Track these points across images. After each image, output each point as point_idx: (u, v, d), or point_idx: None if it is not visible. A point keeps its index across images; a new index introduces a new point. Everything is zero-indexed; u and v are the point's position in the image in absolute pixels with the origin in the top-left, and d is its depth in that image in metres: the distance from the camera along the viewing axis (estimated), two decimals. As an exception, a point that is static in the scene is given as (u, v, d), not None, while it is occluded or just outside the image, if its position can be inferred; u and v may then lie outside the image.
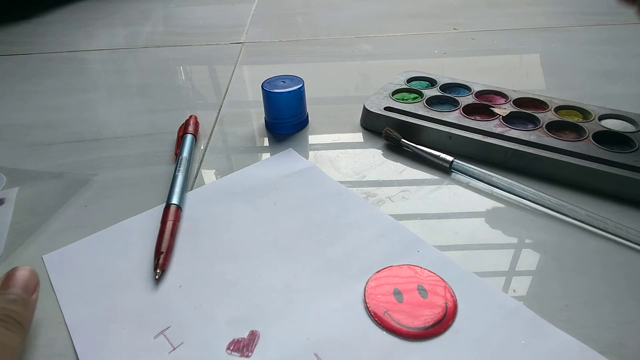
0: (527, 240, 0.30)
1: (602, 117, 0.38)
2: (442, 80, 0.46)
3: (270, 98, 0.42)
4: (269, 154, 0.41)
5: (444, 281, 0.27)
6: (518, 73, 0.55)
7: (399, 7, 0.84)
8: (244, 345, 0.24)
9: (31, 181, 0.39)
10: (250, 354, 0.23)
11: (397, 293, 0.26)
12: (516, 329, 0.24)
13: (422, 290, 0.26)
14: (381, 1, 0.88)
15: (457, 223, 0.32)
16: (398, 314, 0.25)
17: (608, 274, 0.27)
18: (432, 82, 0.46)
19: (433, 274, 0.27)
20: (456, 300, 0.26)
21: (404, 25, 0.74)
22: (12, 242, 0.32)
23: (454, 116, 0.40)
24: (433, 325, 0.24)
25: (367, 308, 0.25)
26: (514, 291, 0.26)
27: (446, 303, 0.25)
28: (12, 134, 0.47)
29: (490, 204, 0.33)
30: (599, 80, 0.51)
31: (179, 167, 0.37)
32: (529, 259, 0.28)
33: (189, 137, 0.41)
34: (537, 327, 0.24)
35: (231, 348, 0.24)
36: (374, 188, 0.35)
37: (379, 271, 0.28)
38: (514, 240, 0.30)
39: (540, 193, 0.32)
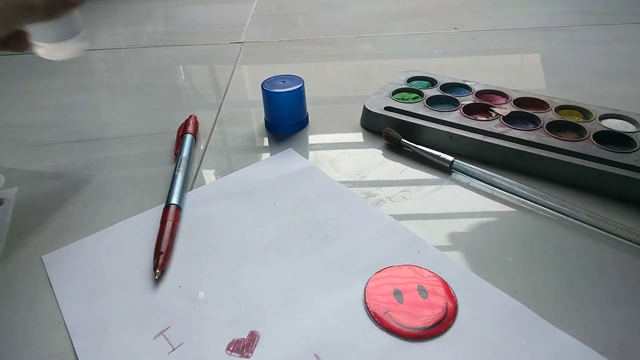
0: (527, 241, 0.30)
1: (603, 117, 0.38)
2: (442, 80, 0.46)
3: (270, 98, 0.42)
4: (269, 154, 0.41)
5: (445, 281, 0.27)
6: (518, 73, 0.54)
7: (399, 7, 0.84)
8: (244, 345, 0.24)
9: (31, 181, 0.39)
10: (250, 354, 0.23)
11: (398, 293, 0.26)
12: (517, 329, 0.24)
13: (422, 291, 0.26)
14: (381, 1, 0.88)
15: (457, 223, 0.31)
16: (398, 315, 0.25)
17: (608, 274, 0.27)
18: (432, 82, 0.46)
19: (433, 275, 0.27)
20: (456, 301, 0.26)
21: (404, 25, 0.73)
22: (12, 242, 0.32)
23: (455, 116, 0.39)
24: (433, 326, 0.24)
25: (367, 308, 0.25)
26: (515, 292, 0.26)
27: (446, 303, 0.25)
28: (12, 134, 0.47)
29: (490, 204, 0.33)
30: (600, 80, 0.51)
31: (179, 167, 0.37)
32: (530, 259, 0.28)
33: (188, 137, 0.41)
34: (538, 327, 0.24)
35: (231, 348, 0.24)
36: (374, 188, 0.35)
37: (379, 271, 0.28)
38: (514, 240, 0.30)
39: (540, 192, 0.32)
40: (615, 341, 0.23)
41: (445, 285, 0.26)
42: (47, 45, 0.36)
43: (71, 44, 0.36)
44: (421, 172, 0.37)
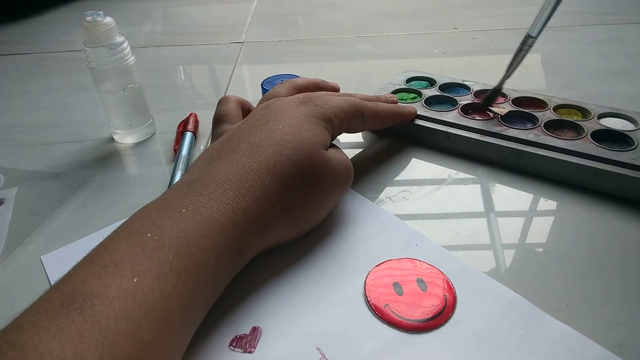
0: (527, 241, 0.30)
1: (602, 116, 0.38)
2: (441, 80, 0.46)
3: (269, 98, 0.42)
4: (269, 153, 0.41)
5: (443, 274, 0.27)
6: (518, 72, 0.54)
7: (399, 7, 0.84)
8: (247, 341, 0.24)
9: (30, 181, 0.39)
10: (253, 349, 0.23)
11: (397, 286, 0.26)
12: (514, 319, 0.24)
13: (421, 283, 0.26)
14: (381, 1, 0.88)
15: (457, 223, 0.31)
16: (398, 307, 0.25)
17: (608, 274, 0.27)
18: (431, 82, 0.46)
19: (432, 267, 0.27)
20: (455, 293, 0.26)
21: (404, 25, 0.73)
22: (11, 242, 0.32)
23: (452, 115, 0.39)
24: (433, 318, 0.24)
25: (367, 301, 0.26)
26: (515, 292, 0.26)
27: (445, 295, 0.26)
28: (12, 134, 0.47)
29: (490, 204, 0.33)
30: (599, 79, 0.51)
31: (178, 164, 0.37)
32: (530, 259, 0.28)
33: (188, 135, 0.41)
34: (535, 317, 0.24)
35: (234, 344, 0.24)
36: (374, 188, 0.35)
37: (378, 265, 0.28)
38: (515, 240, 0.30)
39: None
40: (616, 341, 0.23)
41: (444, 278, 0.27)
42: (121, 132, 0.43)
43: (141, 129, 0.44)
44: (421, 172, 0.37)
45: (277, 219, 0.26)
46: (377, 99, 0.37)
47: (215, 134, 0.32)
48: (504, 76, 0.39)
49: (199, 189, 0.25)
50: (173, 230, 0.22)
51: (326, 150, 0.29)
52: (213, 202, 0.24)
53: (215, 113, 0.34)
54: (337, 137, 0.33)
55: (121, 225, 0.23)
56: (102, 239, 0.22)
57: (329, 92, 0.34)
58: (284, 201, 0.26)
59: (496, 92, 0.40)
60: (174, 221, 0.22)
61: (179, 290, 0.21)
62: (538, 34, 0.36)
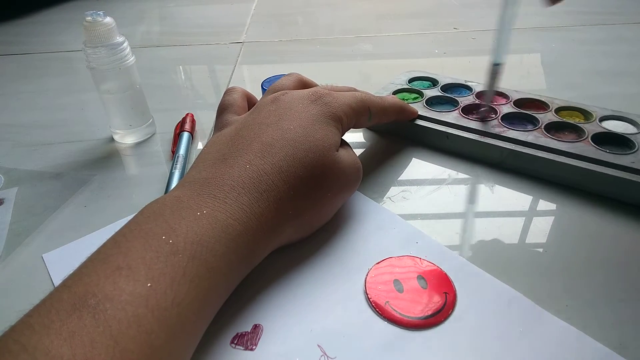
0: (527, 241, 0.30)
1: (603, 119, 0.37)
2: (443, 80, 0.46)
3: (270, 98, 0.42)
4: (269, 153, 0.41)
5: (443, 271, 0.27)
6: (518, 73, 0.54)
7: (399, 7, 0.84)
8: (248, 338, 0.24)
9: (30, 181, 0.39)
10: (254, 347, 0.24)
11: (397, 283, 0.26)
12: (514, 317, 0.24)
13: (421, 280, 0.26)
14: (381, 1, 0.88)
15: (457, 223, 0.31)
16: (399, 304, 0.25)
17: (608, 274, 0.27)
18: (434, 82, 0.46)
19: (432, 264, 0.27)
20: (455, 290, 0.26)
21: (404, 25, 0.74)
22: (11, 242, 0.32)
23: (453, 116, 0.39)
24: (433, 315, 0.24)
25: (368, 299, 0.26)
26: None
27: (445, 293, 0.26)
28: (12, 134, 0.47)
29: (490, 204, 0.33)
30: (600, 80, 0.51)
31: (176, 164, 0.37)
32: (530, 259, 0.28)
33: (185, 135, 0.41)
34: (535, 315, 0.24)
35: (235, 342, 0.24)
36: (374, 188, 0.35)
37: (378, 262, 0.28)
38: (514, 240, 0.30)
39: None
40: (616, 341, 0.23)
41: (444, 275, 0.27)
42: (122, 132, 0.43)
43: (141, 129, 0.44)
44: (421, 172, 0.37)
45: (288, 223, 0.26)
46: (381, 98, 0.38)
47: (220, 123, 0.32)
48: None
49: (213, 191, 0.24)
50: (188, 234, 0.22)
51: (337, 151, 0.29)
52: (227, 206, 0.24)
53: (220, 102, 0.33)
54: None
55: (133, 221, 0.23)
56: (112, 234, 0.22)
57: (334, 87, 0.34)
58: (295, 206, 0.26)
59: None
60: (188, 224, 0.22)
61: (192, 296, 0.20)
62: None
